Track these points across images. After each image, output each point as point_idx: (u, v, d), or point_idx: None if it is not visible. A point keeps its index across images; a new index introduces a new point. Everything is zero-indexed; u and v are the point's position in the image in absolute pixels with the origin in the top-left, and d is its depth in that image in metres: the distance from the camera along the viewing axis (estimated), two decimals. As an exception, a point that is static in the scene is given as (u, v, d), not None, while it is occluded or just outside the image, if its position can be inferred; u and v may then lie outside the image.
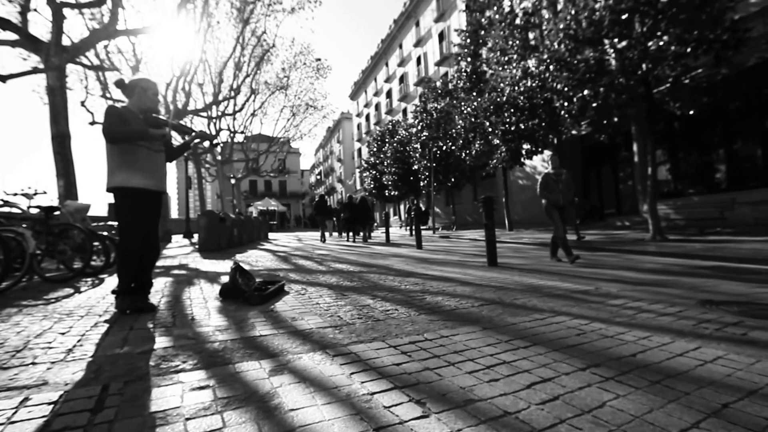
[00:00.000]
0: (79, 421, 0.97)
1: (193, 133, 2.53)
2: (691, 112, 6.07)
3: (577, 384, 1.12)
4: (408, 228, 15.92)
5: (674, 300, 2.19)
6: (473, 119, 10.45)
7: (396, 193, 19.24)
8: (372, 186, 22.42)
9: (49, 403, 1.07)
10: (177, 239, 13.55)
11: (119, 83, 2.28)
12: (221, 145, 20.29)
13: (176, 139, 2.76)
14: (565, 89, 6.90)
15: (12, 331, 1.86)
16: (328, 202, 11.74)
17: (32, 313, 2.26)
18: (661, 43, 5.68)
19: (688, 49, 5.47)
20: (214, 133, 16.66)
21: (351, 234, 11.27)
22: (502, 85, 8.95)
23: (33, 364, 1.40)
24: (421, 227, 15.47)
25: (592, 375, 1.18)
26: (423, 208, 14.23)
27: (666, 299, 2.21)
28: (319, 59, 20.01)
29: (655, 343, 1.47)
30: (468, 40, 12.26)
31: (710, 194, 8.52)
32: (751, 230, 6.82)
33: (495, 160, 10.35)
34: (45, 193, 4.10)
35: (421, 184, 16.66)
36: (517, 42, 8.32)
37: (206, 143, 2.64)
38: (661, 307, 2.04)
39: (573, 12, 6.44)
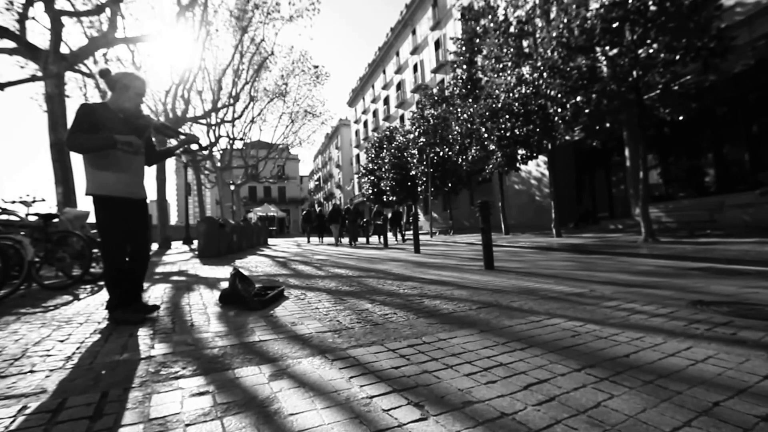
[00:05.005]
0: (78, 428, 0.97)
1: (181, 137, 2.38)
2: (681, 118, 6.20)
3: (573, 385, 1.14)
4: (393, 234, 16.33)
5: (666, 301, 2.22)
6: (469, 125, 10.57)
7: (394, 198, 19.30)
8: (370, 192, 22.48)
9: (48, 411, 1.07)
10: (177, 245, 13.47)
11: (104, 73, 2.11)
12: (221, 151, 20.32)
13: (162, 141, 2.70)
14: (559, 96, 7.03)
15: (10, 339, 1.85)
16: (321, 211, 14.90)
17: (30, 321, 2.25)
18: (651, 51, 5.83)
19: (677, 57, 5.62)
20: (213, 140, 16.67)
21: (320, 238, 15.06)
22: (497, 91, 9.09)
23: (31, 372, 1.39)
24: (389, 233, 15.68)
25: (587, 376, 1.20)
26: (391, 214, 14.39)
27: (658, 300, 2.24)
28: (317, 66, 20.20)
29: (648, 343, 1.49)
30: (463, 48, 12.47)
31: (700, 197, 8.65)
32: (740, 232, 6.92)
33: (491, 165, 10.45)
34: (44, 200, 4.08)
35: (419, 189, 16.75)
36: (512, 50, 8.48)
37: (194, 146, 2.45)
38: (654, 308, 2.07)
39: (565, 21, 6.60)
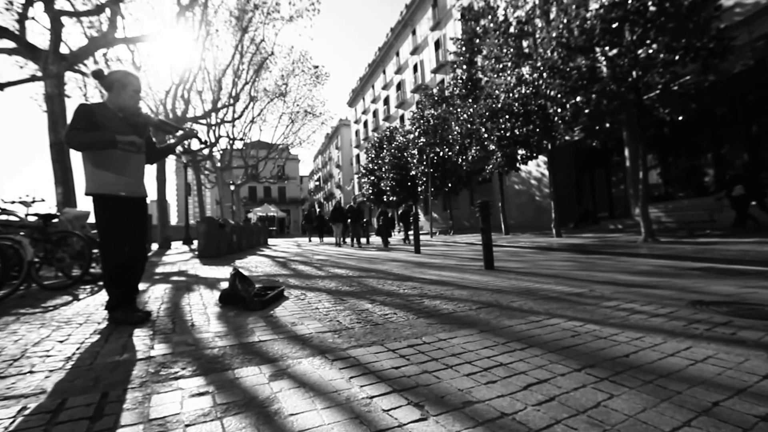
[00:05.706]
0: (77, 429, 0.97)
1: (179, 133, 2.37)
2: (680, 118, 6.21)
3: (573, 385, 1.14)
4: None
5: (666, 301, 2.22)
6: (469, 125, 10.58)
7: (394, 198, 19.31)
8: (370, 192, 22.48)
9: (48, 412, 1.07)
10: (176, 246, 13.46)
11: (97, 74, 2.07)
12: (221, 151, 20.31)
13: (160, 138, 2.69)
14: (559, 96, 7.04)
15: (9, 340, 1.85)
16: (320, 212, 15.24)
17: (30, 322, 2.24)
18: (651, 51, 5.84)
19: (677, 57, 5.63)
20: (213, 140, 16.66)
21: (320, 238, 15.54)
22: (497, 92, 9.10)
23: (31, 372, 1.39)
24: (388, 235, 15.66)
25: (586, 376, 1.20)
26: (390, 215, 14.40)
27: (658, 300, 2.25)
28: (317, 66, 20.20)
29: (648, 343, 1.49)
30: (463, 48, 12.48)
31: (699, 197, 8.67)
32: (739, 232, 6.93)
33: (491, 166, 10.46)
34: (43, 200, 4.07)
35: (419, 189, 16.76)
36: (511, 50, 8.49)
37: (195, 143, 2.41)
38: (653, 308, 2.07)
39: (565, 21, 6.61)
